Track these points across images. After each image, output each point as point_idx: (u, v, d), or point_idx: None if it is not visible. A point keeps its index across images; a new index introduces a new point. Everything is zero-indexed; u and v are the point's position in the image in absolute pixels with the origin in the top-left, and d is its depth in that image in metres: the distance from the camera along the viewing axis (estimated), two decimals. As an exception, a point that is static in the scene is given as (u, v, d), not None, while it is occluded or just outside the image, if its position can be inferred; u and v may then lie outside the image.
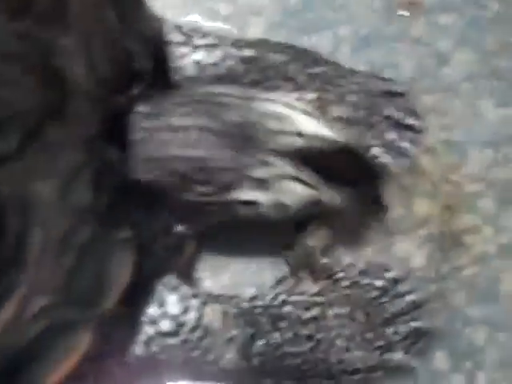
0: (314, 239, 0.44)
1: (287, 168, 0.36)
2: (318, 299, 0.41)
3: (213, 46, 0.42)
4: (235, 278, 0.45)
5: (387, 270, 0.44)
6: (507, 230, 0.48)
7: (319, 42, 0.50)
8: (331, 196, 0.38)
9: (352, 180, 0.39)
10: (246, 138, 0.36)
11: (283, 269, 0.45)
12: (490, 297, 0.47)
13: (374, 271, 0.44)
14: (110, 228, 0.32)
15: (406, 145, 0.45)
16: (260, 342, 0.38)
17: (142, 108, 0.35)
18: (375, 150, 0.43)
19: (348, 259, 0.46)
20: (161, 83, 0.37)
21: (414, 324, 0.43)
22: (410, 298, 0.44)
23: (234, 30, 0.49)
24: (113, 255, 0.31)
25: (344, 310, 0.41)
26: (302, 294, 0.42)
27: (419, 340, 0.43)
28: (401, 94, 0.46)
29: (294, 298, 0.41)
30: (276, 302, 0.40)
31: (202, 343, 0.37)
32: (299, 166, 0.36)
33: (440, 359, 0.46)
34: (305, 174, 0.37)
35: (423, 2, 0.51)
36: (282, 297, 0.41)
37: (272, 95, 0.39)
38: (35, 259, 0.29)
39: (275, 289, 0.42)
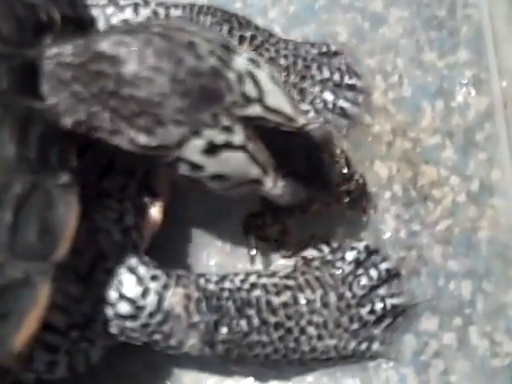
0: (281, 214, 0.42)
1: (238, 135, 0.32)
2: (289, 282, 0.39)
3: (139, 6, 0.42)
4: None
5: (357, 241, 0.42)
6: (474, 177, 0.46)
7: (250, 28, 0.49)
8: (273, 184, 0.34)
9: (302, 165, 0.34)
10: (204, 89, 0.31)
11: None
12: (469, 247, 0.45)
13: (345, 245, 0.42)
14: (46, 175, 0.31)
15: (346, 105, 0.44)
16: (224, 330, 0.37)
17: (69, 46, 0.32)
18: (311, 114, 0.42)
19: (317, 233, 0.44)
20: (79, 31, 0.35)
21: (390, 301, 0.41)
22: (383, 266, 0.41)
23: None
24: (55, 201, 0.30)
25: (316, 295, 0.39)
26: (272, 275, 0.40)
27: (396, 319, 0.41)
28: (335, 54, 0.44)
29: (263, 281, 0.39)
30: (245, 286, 0.38)
31: (163, 328, 0.35)
32: (251, 136, 0.32)
33: (428, 320, 0.43)
34: (255, 148, 0.32)
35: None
36: (252, 278, 0.39)
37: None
38: None
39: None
